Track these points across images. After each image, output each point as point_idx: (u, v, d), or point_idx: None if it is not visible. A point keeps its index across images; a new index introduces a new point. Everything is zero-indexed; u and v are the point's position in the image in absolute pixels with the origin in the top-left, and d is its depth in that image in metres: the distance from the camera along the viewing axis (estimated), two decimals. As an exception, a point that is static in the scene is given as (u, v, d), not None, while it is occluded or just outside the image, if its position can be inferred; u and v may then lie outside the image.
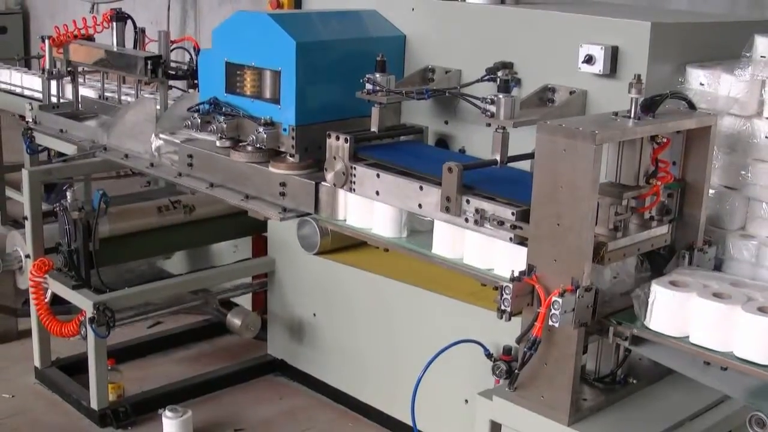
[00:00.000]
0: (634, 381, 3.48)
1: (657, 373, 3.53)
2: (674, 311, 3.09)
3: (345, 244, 4.76)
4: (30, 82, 7.42)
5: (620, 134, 3.14)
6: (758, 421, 2.95)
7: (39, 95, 6.85)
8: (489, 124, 3.70)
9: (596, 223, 3.12)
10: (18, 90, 7.54)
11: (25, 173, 5.50)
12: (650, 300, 3.13)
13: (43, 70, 6.44)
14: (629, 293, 3.27)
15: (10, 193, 8.32)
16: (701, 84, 3.69)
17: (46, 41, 6.27)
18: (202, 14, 10.60)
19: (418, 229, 4.00)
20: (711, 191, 3.58)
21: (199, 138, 4.82)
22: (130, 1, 10.21)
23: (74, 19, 6.41)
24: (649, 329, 3.13)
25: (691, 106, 3.47)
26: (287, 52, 4.21)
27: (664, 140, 3.31)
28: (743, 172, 3.63)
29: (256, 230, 5.95)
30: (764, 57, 3.59)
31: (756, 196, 3.63)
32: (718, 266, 3.62)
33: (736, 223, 3.70)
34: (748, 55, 3.64)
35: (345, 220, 4.17)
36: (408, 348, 4.95)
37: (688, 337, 3.07)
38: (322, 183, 4.18)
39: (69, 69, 6.28)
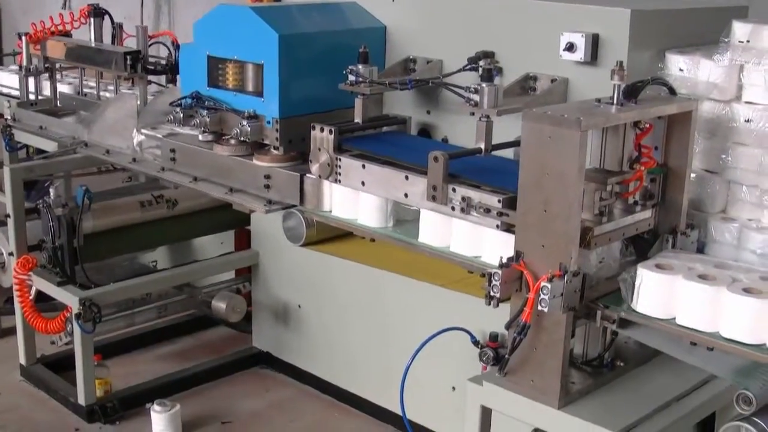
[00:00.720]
0: (622, 364, 3.52)
1: (644, 356, 3.58)
2: (661, 294, 3.13)
3: (331, 235, 4.80)
4: (5, 80, 7.39)
5: (604, 120, 3.19)
6: (745, 399, 2.99)
7: (15, 92, 6.83)
8: (473, 113, 3.73)
9: (582, 209, 3.17)
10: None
11: (6, 170, 5.51)
12: (637, 283, 3.18)
13: (20, 66, 6.43)
14: (615, 277, 3.33)
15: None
16: (681, 70, 3.74)
17: (23, 38, 6.25)
18: (177, 9, 10.57)
19: (404, 218, 4.03)
20: (692, 175, 3.63)
21: (182, 132, 4.83)
22: (107, -3, 10.22)
23: (51, 15, 6.39)
24: (637, 312, 3.18)
25: (672, 91, 3.51)
26: (270, 44, 4.22)
27: (647, 126, 3.36)
28: (723, 156, 3.68)
29: (239, 224, 5.97)
30: (742, 42, 3.65)
31: (736, 179, 3.69)
32: (700, 249, 3.67)
33: (718, 206, 3.75)
34: (726, 40, 3.69)
35: (330, 211, 4.19)
36: (395, 337, 5.00)
37: (674, 318, 3.12)
38: (307, 175, 4.20)
39: (46, 65, 6.28)
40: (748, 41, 3.65)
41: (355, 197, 4.06)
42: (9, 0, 13.16)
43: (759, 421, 3.03)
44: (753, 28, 3.65)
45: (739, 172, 3.67)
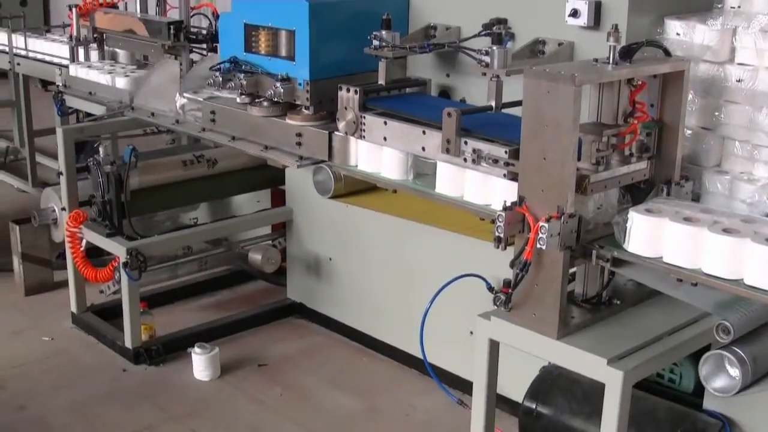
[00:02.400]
0: (618, 302, 3.82)
1: (640, 296, 3.87)
2: (649, 234, 3.43)
3: (357, 189, 5.13)
4: (54, 50, 7.80)
5: (598, 77, 3.50)
6: (724, 329, 3.28)
7: (64, 62, 7.24)
8: (484, 74, 4.08)
9: (580, 159, 3.48)
10: (41, 57, 7.94)
11: (59, 131, 5.89)
12: (628, 225, 3.49)
13: (71, 36, 6.84)
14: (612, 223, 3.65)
15: (39, 158, 8.75)
16: (677, 34, 4.05)
17: (74, 10, 6.66)
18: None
19: (424, 172, 4.37)
20: (688, 132, 3.94)
21: (220, 96, 5.22)
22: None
23: (99, -12, 6.78)
24: (628, 251, 3.49)
25: (667, 53, 3.80)
26: (301, 12, 4.59)
27: (640, 83, 3.67)
28: (717, 114, 3.99)
29: (274, 184, 6.34)
30: (734, 7, 3.95)
31: (729, 134, 3.99)
32: (695, 200, 3.98)
33: (712, 160, 4.06)
34: (719, 6, 4.00)
35: (356, 166, 4.55)
36: (417, 284, 5.33)
37: (662, 257, 3.43)
38: (335, 132, 4.56)
39: (95, 36, 6.69)
40: (739, 7, 3.95)
41: (378, 152, 4.41)
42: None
43: (737, 350, 3.36)
44: (744, -6, 3.95)
45: (731, 128, 3.97)
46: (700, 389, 4.22)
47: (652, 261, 3.44)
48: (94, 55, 6.83)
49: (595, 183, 3.58)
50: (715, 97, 4.00)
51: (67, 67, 6.76)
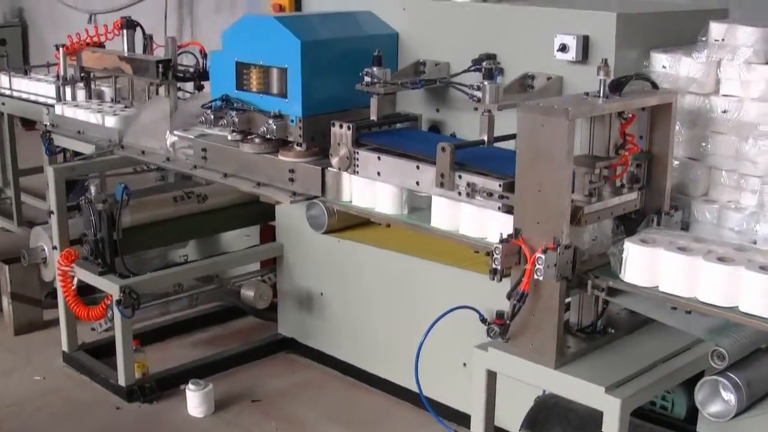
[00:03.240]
0: (613, 331, 3.89)
1: (634, 324, 3.94)
2: (645, 264, 3.50)
3: (350, 224, 5.18)
4: (38, 89, 7.83)
5: (590, 110, 3.59)
6: (719, 355, 3.35)
7: (48, 101, 7.28)
8: (476, 108, 4.16)
9: (573, 191, 3.56)
10: (26, 96, 7.96)
11: (50, 170, 5.92)
12: (624, 256, 3.56)
13: (57, 76, 6.89)
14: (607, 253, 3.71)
15: (23, 197, 8.75)
16: (663, 67, 4.15)
17: (60, 49, 6.71)
18: (198, 21, 11.03)
19: (419, 206, 4.40)
20: (676, 162, 4.02)
21: (211, 133, 5.27)
22: (128, 11, 10.65)
23: (86, 28, 6.84)
24: (624, 281, 3.56)
25: (654, 86, 3.91)
26: (293, 50, 4.65)
27: (630, 115, 3.75)
28: (704, 144, 4.09)
29: (263, 219, 6.39)
30: (717, 41, 4.04)
31: (716, 164, 4.09)
32: (685, 229, 4.06)
33: (700, 190, 4.15)
34: (704, 39, 4.10)
35: (350, 201, 4.60)
36: (409, 317, 5.37)
37: (657, 286, 3.49)
38: (328, 168, 4.61)
39: (82, 75, 6.74)
40: (723, 39, 4.04)
41: (372, 187, 4.46)
42: (35, 16, 13.67)
43: (732, 375, 3.42)
44: (727, 28, 4.04)
45: (718, 158, 4.07)
46: (692, 415, 4.29)
47: (648, 290, 3.51)
48: (80, 94, 6.87)
49: (589, 214, 3.65)
50: (701, 128, 4.09)
51: (53, 106, 6.81)
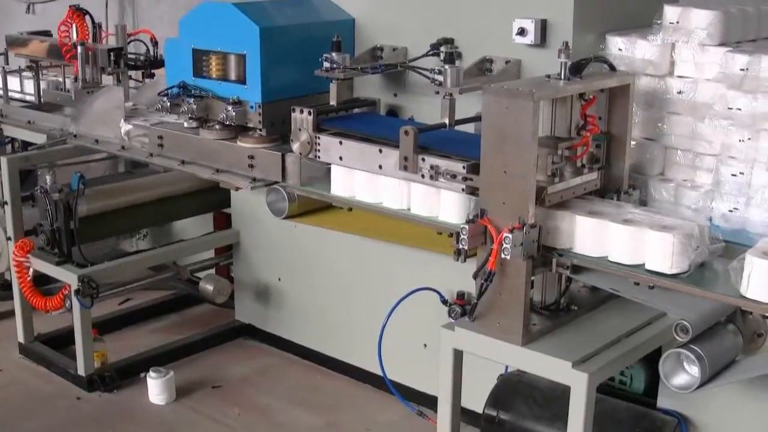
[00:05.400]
0: (576, 308, 3.97)
1: (595, 301, 4.04)
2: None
3: (311, 209, 5.20)
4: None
5: (554, 93, 3.66)
6: (683, 328, 3.41)
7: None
8: (437, 92, 4.20)
9: (537, 171, 3.63)
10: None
11: (3, 160, 5.86)
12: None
13: (2, 67, 6.80)
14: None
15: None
16: (620, 49, 4.24)
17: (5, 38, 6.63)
18: (141, 9, 10.91)
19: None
20: (633, 143, 4.11)
21: (166, 121, 5.26)
22: (66, 0, 10.52)
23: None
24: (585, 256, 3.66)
25: (612, 68, 3.99)
26: (252, 37, 4.66)
27: (591, 97, 3.83)
28: (660, 125, 4.19)
29: (219, 207, 6.40)
30: (672, 23, 4.13)
31: (672, 144, 4.19)
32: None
33: (656, 169, 4.25)
34: (659, 22, 4.18)
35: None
36: (368, 300, 5.43)
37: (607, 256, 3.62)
38: (288, 153, 4.64)
39: (29, 65, 6.67)
40: (677, 22, 4.12)
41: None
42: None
43: (695, 347, 3.52)
44: (682, 11, 4.12)
45: (673, 138, 4.17)
46: (650, 389, 4.42)
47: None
48: (28, 84, 6.79)
49: (553, 194, 3.72)
50: (657, 108, 4.19)
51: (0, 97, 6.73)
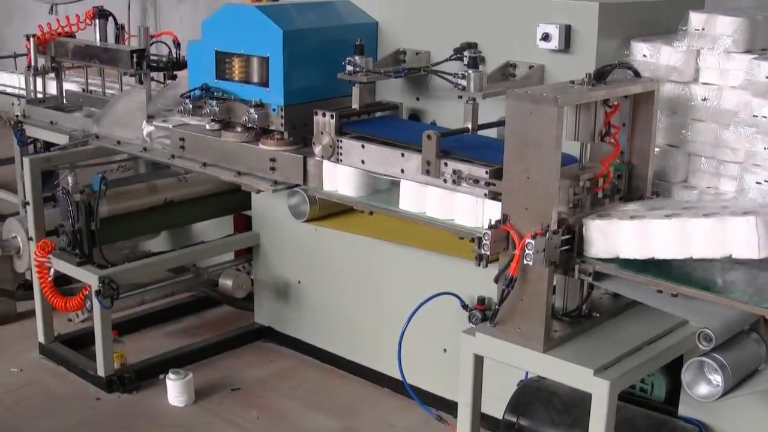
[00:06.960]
0: (597, 315, 3.94)
1: (616, 308, 4.00)
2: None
3: (331, 212, 5.20)
4: (6, 80, 7.78)
5: (577, 98, 3.64)
6: (706, 337, 3.41)
7: (16, 92, 7.22)
8: (461, 97, 4.20)
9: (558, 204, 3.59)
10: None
11: (26, 161, 5.88)
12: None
13: (29, 66, 6.83)
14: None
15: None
16: (644, 55, 4.22)
17: (31, 39, 6.65)
18: (162, 11, 10.97)
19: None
20: (656, 149, 4.10)
21: (188, 123, 5.27)
22: (90, 1, 10.56)
23: (57, 18, 6.79)
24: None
25: (637, 74, 3.96)
26: (275, 39, 4.68)
27: (615, 104, 3.81)
28: (684, 131, 4.16)
29: (239, 209, 6.40)
30: (698, 30, 4.11)
31: (695, 151, 4.16)
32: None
33: (680, 176, 4.22)
34: (684, 28, 4.15)
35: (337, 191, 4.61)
36: (388, 304, 5.42)
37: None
38: (309, 156, 4.64)
39: (53, 65, 6.69)
40: (703, 29, 4.10)
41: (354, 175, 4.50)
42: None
43: (718, 356, 3.50)
44: (707, 18, 4.09)
45: (697, 144, 4.14)
46: (671, 397, 4.40)
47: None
48: (51, 85, 6.82)
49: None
50: (681, 115, 4.16)
51: (23, 97, 6.76)
